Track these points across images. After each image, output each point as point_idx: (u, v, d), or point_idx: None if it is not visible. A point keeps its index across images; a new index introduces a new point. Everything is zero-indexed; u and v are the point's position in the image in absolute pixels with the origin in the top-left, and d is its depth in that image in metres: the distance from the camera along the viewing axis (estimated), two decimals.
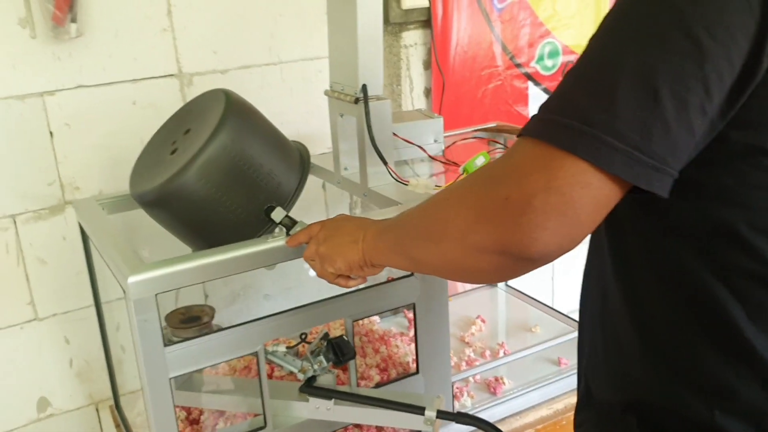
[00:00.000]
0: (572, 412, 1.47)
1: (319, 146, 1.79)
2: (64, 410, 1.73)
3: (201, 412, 1.38)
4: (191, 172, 1.15)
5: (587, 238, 0.75)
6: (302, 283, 1.92)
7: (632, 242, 0.83)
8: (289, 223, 1.17)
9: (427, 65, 2.02)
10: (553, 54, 2.19)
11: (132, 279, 1.02)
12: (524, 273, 0.74)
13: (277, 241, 1.14)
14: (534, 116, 0.72)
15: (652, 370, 0.83)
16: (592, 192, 0.67)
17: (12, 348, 1.64)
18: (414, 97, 2.03)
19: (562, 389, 1.52)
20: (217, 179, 1.17)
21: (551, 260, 0.71)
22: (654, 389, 0.83)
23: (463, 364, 1.60)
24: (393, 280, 1.29)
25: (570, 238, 0.68)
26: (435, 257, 0.80)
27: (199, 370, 1.28)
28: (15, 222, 1.58)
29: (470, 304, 1.92)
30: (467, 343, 1.72)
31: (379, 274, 1.04)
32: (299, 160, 1.34)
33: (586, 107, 0.67)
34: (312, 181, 1.34)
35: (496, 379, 1.52)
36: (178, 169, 1.15)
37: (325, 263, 1.03)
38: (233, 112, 1.21)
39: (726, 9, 0.64)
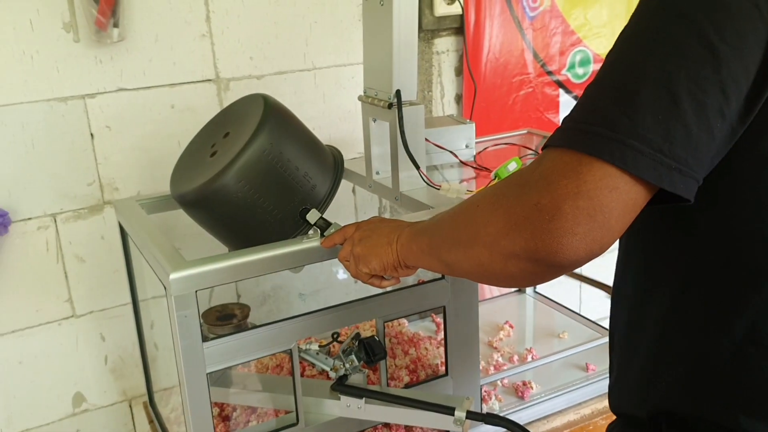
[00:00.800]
0: (599, 418, 1.49)
1: (349, 151, 1.82)
2: (99, 406, 1.77)
3: (234, 409, 1.41)
4: (231, 174, 1.18)
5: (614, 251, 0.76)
6: (331, 285, 1.94)
7: (658, 254, 0.84)
8: (324, 225, 1.20)
9: (459, 72, 2.04)
10: (584, 62, 2.20)
11: (173, 275, 1.05)
12: (553, 278, 0.75)
13: (312, 241, 1.16)
14: (558, 128, 0.74)
15: (676, 377, 0.83)
16: (620, 195, 0.68)
17: (50, 344, 1.68)
18: (445, 103, 2.05)
19: (590, 395, 1.52)
20: (256, 181, 1.19)
21: (580, 266, 0.72)
22: (679, 398, 0.83)
23: (491, 368, 1.61)
24: (424, 282, 1.31)
25: (599, 242, 0.69)
26: (466, 262, 0.81)
27: (233, 367, 1.31)
28: (55, 220, 1.63)
29: (498, 310, 1.93)
30: (495, 347, 1.73)
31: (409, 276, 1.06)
32: (333, 164, 1.37)
33: (611, 114, 0.69)
34: (342, 185, 1.36)
35: (524, 383, 1.53)
36: (218, 170, 1.18)
37: (359, 264, 1.05)
38: (272, 116, 1.24)
39: (737, 16, 0.66)
